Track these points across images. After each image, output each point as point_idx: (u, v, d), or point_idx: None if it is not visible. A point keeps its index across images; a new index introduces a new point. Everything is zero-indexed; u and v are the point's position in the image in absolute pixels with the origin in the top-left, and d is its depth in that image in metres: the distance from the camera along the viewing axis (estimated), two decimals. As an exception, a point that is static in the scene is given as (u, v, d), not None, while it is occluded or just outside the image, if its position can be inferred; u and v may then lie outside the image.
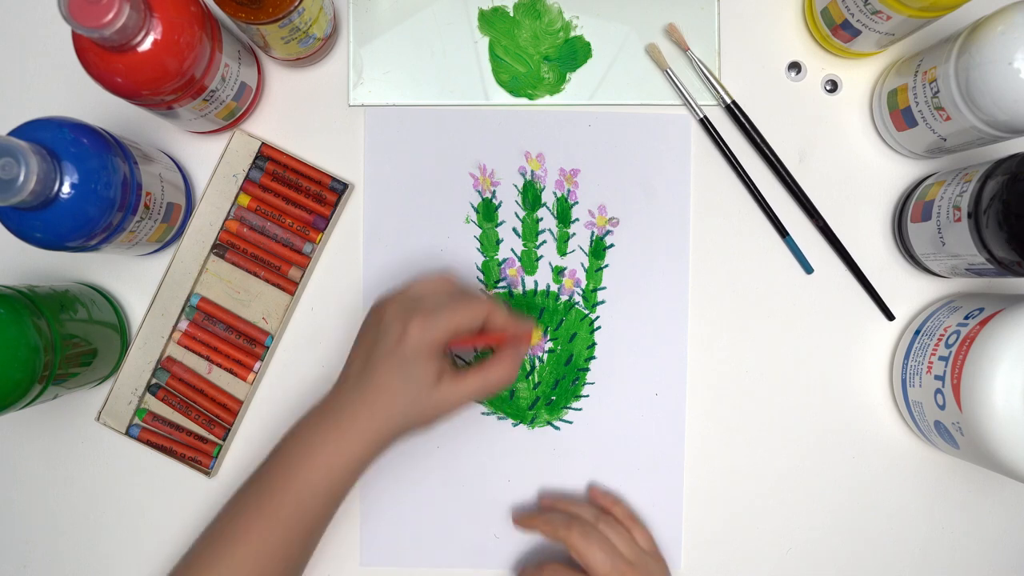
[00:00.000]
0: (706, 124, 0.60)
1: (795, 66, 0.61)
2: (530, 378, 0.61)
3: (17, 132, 0.46)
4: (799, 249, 0.60)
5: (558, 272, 0.61)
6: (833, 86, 0.61)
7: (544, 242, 0.61)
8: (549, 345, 0.61)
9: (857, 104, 0.61)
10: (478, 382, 0.50)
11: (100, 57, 0.46)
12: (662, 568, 0.56)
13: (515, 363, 0.51)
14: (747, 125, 0.60)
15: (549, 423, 0.61)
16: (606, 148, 0.61)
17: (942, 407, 0.53)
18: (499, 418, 0.61)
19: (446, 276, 0.53)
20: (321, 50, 0.58)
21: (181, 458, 0.59)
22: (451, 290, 0.53)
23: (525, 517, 0.58)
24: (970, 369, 0.50)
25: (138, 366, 0.59)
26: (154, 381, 0.59)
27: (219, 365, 0.59)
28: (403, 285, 0.53)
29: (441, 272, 0.55)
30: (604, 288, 0.61)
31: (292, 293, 0.60)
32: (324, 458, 0.49)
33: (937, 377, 0.53)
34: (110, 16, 0.42)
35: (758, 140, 0.60)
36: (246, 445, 0.60)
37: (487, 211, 0.61)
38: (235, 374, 0.59)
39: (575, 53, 0.61)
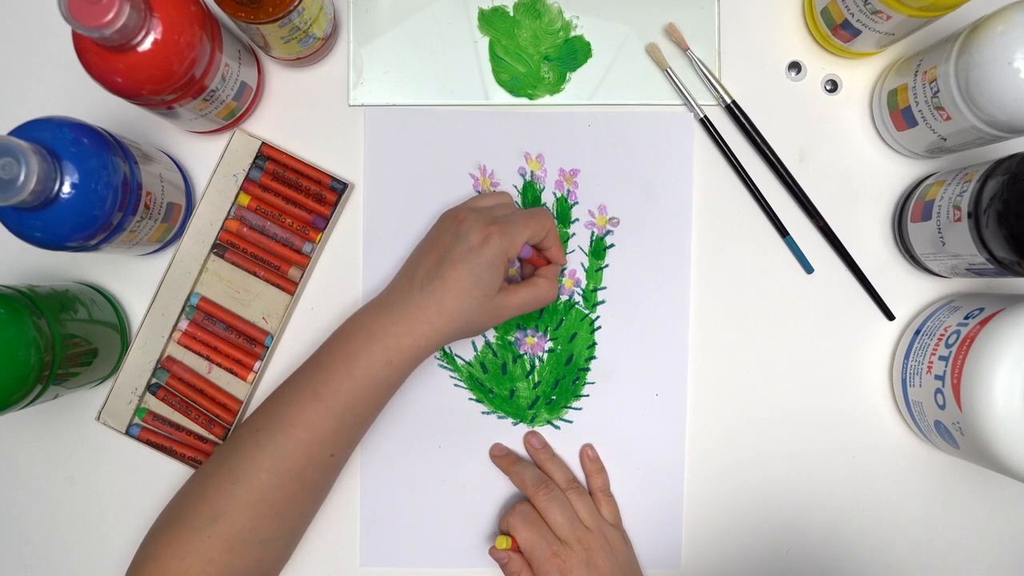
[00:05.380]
0: (706, 124, 0.60)
1: (795, 66, 0.61)
2: (530, 377, 0.61)
3: (17, 132, 0.46)
4: (799, 249, 0.60)
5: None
6: (833, 86, 0.61)
7: (544, 242, 0.61)
8: (549, 345, 0.61)
9: (857, 104, 0.61)
10: (529, 294, 0.54)
11: (100, 57, 0.46)
12: (620, 538, 0.58)
13: (556, 282, 0.56)
14: (747, 125, 0.60)
15: (549, 423, 0.61)
16: (606, 148, 0.61)
17: (942, 407, 0.53)
18: (499, 417, 0.61)
19: (504, 193, 0.58)
20: (321, 50, 0.58)
21: (181, 458, 0.59)
22: (513, 205, 0.57)
23: (504, 459, 0.59)
24: (970, 369, 0.50)
25: (138, 366, 0.59)
26: (154, 381, 0.59)
27: (219, 365, 0.59)
28: (468, 200, 0.57)
29: (497, 191, 0.59)
30: (604, 288, 0.61)
31: (292, 293, 0.60)
32: (388, 348, 0.51)
33: (937, 377, 0.53)
34: (110, 16, 0.42)
35: (758, 140, 0.60)
36: (246, 445, 0.60)
37: (487, 211, 0.61)
38: (235, 374, 0.59)
39: (575, 53, 0.61)
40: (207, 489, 0.50)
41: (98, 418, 0.59)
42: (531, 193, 0.61)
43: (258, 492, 0.50)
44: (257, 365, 0.59)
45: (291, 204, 0.60)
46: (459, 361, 0.61)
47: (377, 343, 0.51)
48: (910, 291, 0.61)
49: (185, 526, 0.50)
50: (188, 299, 0.59)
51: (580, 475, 0.60)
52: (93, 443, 0.60)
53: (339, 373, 0.51)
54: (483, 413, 0.61)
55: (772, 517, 0.61)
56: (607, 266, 0.61)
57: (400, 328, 0.51)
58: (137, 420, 0.59)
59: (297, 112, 0.60)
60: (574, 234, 0.61)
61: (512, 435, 0.61)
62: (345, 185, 0.60)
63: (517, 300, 0.53)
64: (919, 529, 0.61)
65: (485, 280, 0.51)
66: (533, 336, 0.61)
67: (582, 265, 0.61)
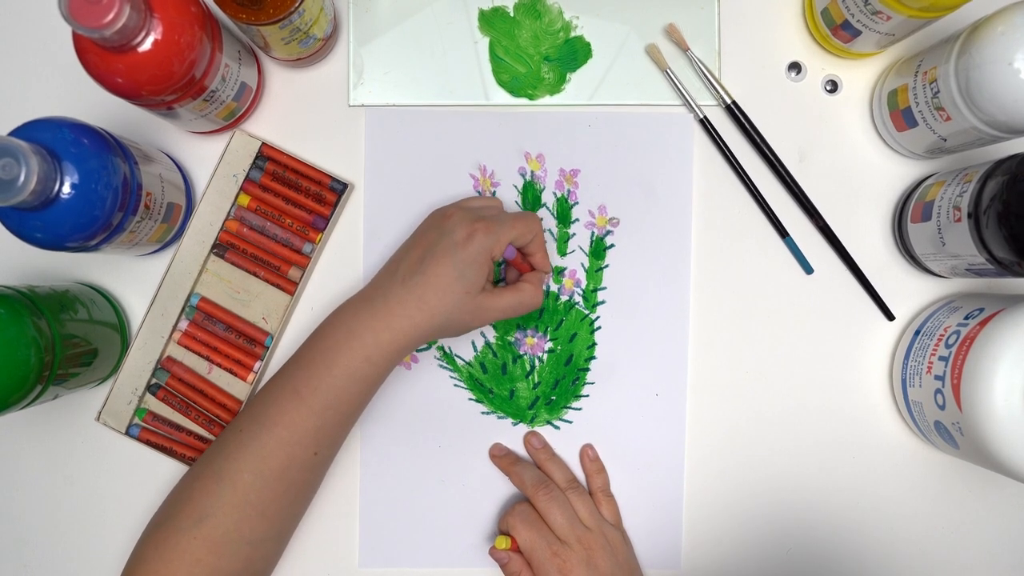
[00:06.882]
0: (706, 124, 0.60)
1: (795, 66, 0.61)
2: (530, 378, 0.61)
3: (17, 132, 0.46)
4: (799, 249, 0.60)
5: (558, 272, 0.61)
6: (833, 86, 0.61)
7: (544, 242, 0.61)
8: (549, 345, 0.61)
9: (857, 104, 0.61)
10: (514, 298, 0.53)
11: (100, 57, 0.46)
12: (620, 538, 0.58)
13: (541, 289, 0.55)
14: (747, 125, 0.60)
15: (549, 423, 0.61)
16: (606, 148, 0.61)
17: (942, 407, 0.53)
18: (499, 417, 0.61)
19: (496, 198, 0.58)
20: (321, 50, 0.58)
21: (181, 458, 0.59)
22: (503, 209, 0.57)
23: (503, 459, 0.59)
24: (970, 369, 0.50)
25: (138, 366, 0.59)
26: (154, 381, 0.59)
27: (219, 365, 0.59)
28: (459, 200, 0.57)
29: (489, 196, 0.59)
30: (604, 288, 0.61)
31: (292, 293, 0.60)
32: (366, 344, 0.50)
33: (937, 377, 0.53)
34: (110, 16, 0.42)
35: (758, 140, 0.60)
36: (246, 445, 0.60)
37: (487, 211, 0.61)
38: (235, 374, 0.59)
39: (575, 53, 0.61)
40: (193, 491, 0.50)
41: (98, 418, 0.59)
42: (531, 193, 0.61)
43: (242, 493, 0.49)
44: (257, 365, 0.59)
45: (291, 204, 0.60)
46: (459, 361, 0.61)
47: (356, 339, 0.50)
48: (910, 291, 0.61)
49: (172, 528, 0.50)
50: (188, 299, 0.59)
51: (580, 475, 0.60)
52: (93, 443, 0.60)
53: (319, 371, 0.50)
54: (483, 413, 0.61)
55: (772, 517, 0.61)
56: (607, 266, 0.61)
57: (379, 323, 0.50)
58: (137, 420, 0.59)
59: (297, 112, 0.60)
60: (574, 234, 0.61)
61: (512, 435, 0.61)
62: (345, 185, 0.60)
63: (502, 304, 0.53)
64: (919, 529, 0.61)
65: (468, 277, 0.51)
66: (533, 336, 0.61)
67: (582, 265, 0.61)
